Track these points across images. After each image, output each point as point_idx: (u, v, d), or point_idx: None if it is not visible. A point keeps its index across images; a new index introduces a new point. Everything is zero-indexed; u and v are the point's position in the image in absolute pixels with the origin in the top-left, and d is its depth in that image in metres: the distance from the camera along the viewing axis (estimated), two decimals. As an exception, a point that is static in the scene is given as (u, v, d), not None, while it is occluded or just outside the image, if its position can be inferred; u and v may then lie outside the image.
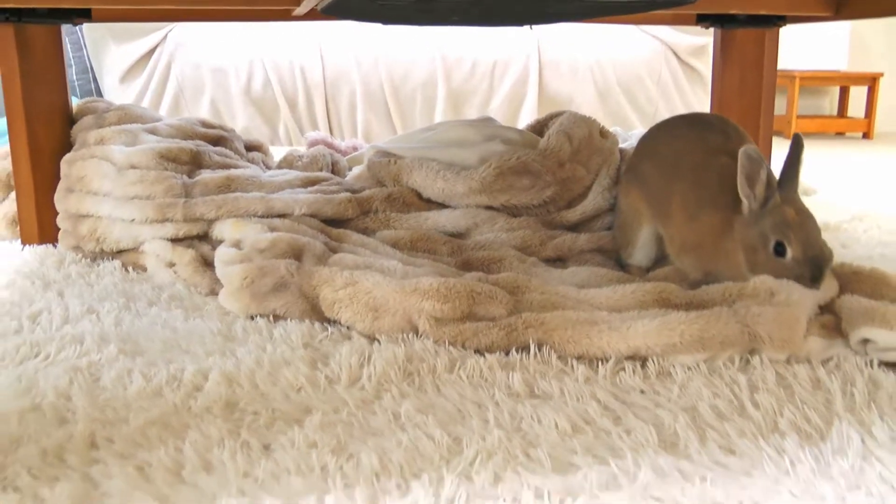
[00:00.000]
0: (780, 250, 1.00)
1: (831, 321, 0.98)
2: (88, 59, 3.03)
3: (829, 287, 1.02)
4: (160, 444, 0.74)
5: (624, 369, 0.90)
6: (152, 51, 2.81)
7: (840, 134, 4.19)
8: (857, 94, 4.42)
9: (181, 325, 1.06)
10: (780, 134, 4.17)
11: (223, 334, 1.01)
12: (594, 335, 0.92)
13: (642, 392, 0.85)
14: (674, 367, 0.90)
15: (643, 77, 2.75)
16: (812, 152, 3.50)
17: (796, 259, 0.99)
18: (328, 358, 0.93)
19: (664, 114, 2.71)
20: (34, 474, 0.70)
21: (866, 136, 4.08)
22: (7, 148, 1.77)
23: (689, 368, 0.90)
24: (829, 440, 0.76)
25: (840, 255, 1.47)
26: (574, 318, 0.93)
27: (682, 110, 2.71)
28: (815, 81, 4.21)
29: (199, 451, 0.73)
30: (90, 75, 3.09)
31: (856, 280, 1.05)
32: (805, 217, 1.01)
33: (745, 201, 1.02)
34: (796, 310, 0.95)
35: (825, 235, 1.65)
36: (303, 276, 1.06)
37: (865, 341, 0.95)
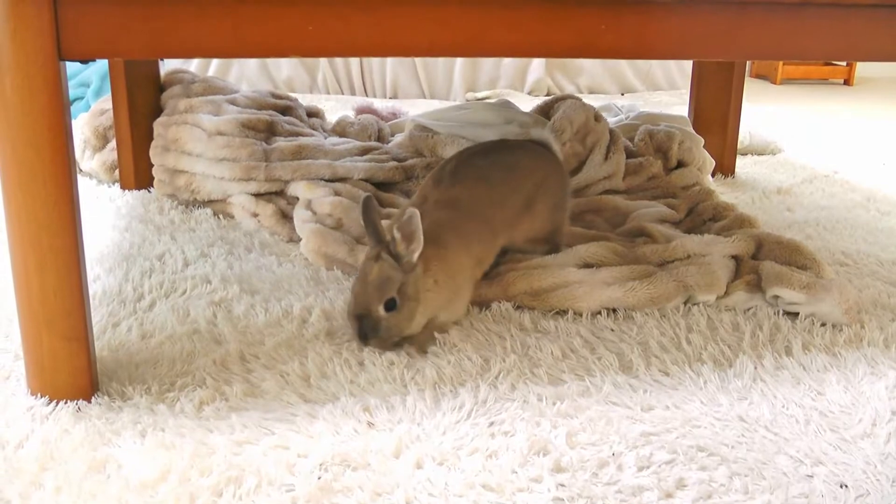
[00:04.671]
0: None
1: (754, 279, 1.34)
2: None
3: (738, 245, 1.38)
4: (290, 360, 1.11)
5: (601, 314, 1.27)
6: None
7: (824, 80, 4.45)
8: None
9: (277, 269, 1.43)
10: (765, 78, 4.44)
11: (314, 279, 1.38)
12: (577, 297, 1.27)
13: (612, 330, 1.23)
14: (636, 312, 1.28)
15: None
16: (795, 101, 3.80)
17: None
18: (393, 300, 1.30)
19: (657, 70, 3.01)
20: (213, 377, 1.07)
21: (847, 82, 4.35)
22: (101, 106, 2.11)
23: (646, 314, 1.27)
24: (733, 367, 1.13)
25: (784, 218, 1.83)
26: (553, 282, 1.29)
27: (670, 65, 3.00)
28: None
29: (317, 365, 1.10)
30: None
31: (777, 247, 1.41)
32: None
33: None
34: (711, 264, 1.32)
35: (778, 198, 2.02)
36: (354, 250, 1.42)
37: (776, 297, 1.32)
